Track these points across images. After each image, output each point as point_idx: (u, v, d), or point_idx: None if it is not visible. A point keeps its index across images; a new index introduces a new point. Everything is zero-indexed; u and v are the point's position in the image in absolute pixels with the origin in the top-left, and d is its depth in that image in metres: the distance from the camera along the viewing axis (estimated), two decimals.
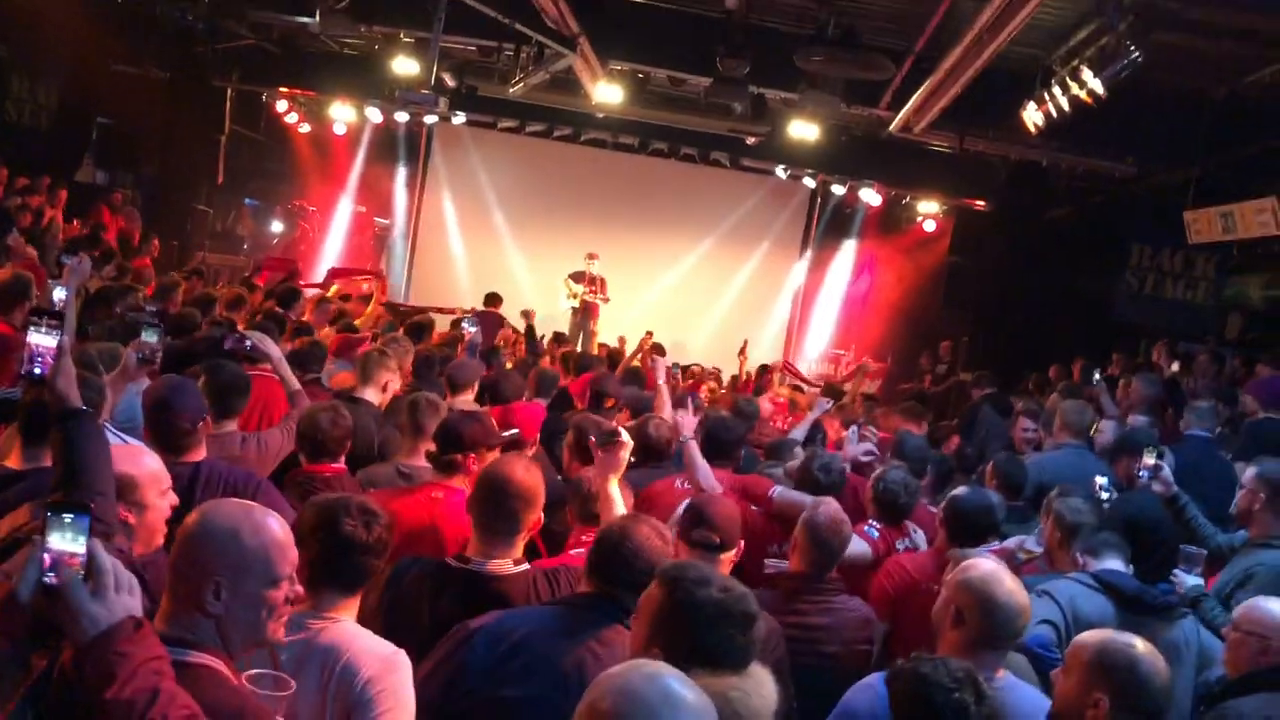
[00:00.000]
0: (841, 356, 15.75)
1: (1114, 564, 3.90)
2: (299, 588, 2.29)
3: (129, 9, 11.75)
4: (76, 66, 13.06)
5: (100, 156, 14.44)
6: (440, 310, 11.52)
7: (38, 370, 2.74)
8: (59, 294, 5.83)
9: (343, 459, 4.22)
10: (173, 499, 2.96)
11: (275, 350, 5.26)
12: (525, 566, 3.12)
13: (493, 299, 12.84)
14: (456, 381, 5.67)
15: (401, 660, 2.57)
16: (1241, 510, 4.55)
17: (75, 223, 11.79)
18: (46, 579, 1.84)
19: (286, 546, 2.24)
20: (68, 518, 1.87)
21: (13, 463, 3.32)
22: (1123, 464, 5.41)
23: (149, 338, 4.24)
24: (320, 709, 2.49)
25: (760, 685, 2.15)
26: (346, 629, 2.64)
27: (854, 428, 6.37)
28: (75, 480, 2.62)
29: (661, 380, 6.42)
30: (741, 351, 12.15)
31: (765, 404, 7.93)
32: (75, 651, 1.82)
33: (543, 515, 3.21)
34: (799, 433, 6.59)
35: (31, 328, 2.76)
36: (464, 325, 8.07)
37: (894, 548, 4.61)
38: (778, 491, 4.69)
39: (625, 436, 3.64)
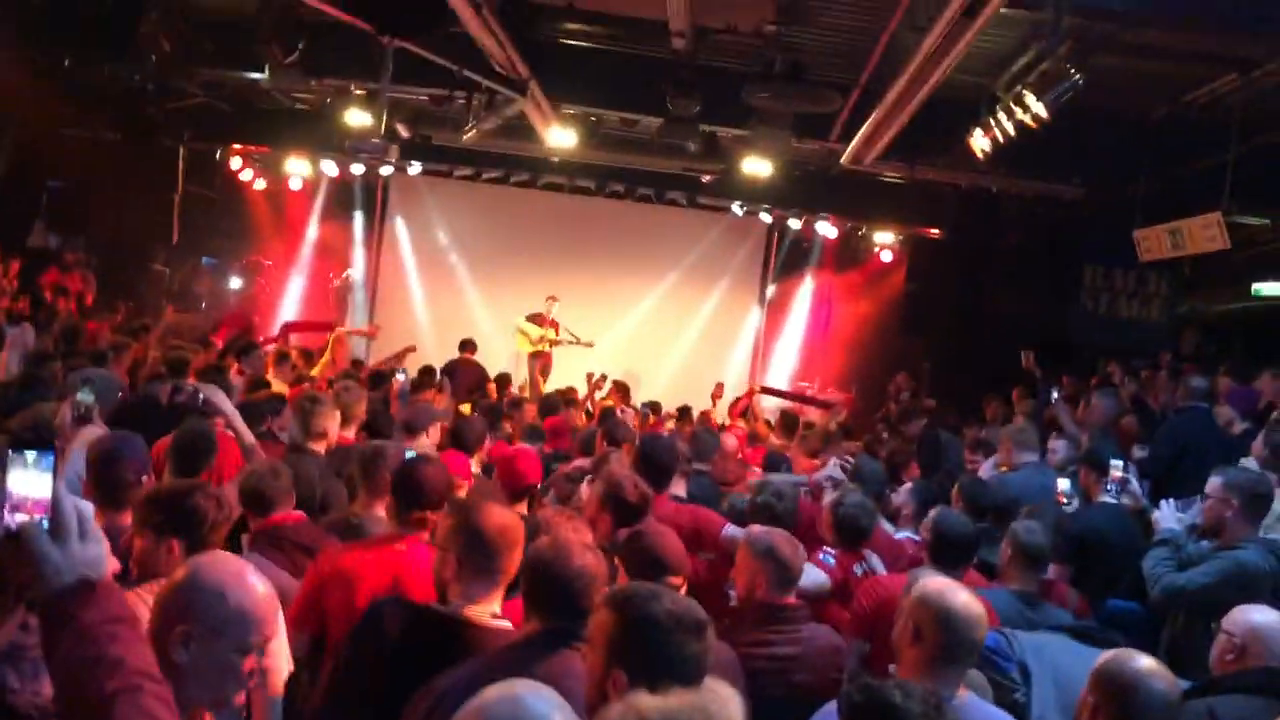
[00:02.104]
0: (806, 389, 15.77)
1: None
2: (266, 661, 2.29)
3: (76, 72, 11.70)
4: (25, 131, 12.97)
5: (52, 220, 14.28)
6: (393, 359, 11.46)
7: None
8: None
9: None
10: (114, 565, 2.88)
11: (228, 404, 5.20)
12: (505, 623, 3.00)
13: (467, 345, 12.71)
14: (413, 426, 5.61)
15: None
16: (1212, 520, 4.59)
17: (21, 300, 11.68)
18: (6, 523, 1.68)
19: (264, 619, 2.21)
20: (30, 455, 1.71)
21: None
22: (1081, 476, 5.47)
23: (84, 397, 4.18)
24: None
25: (730, 700, 2.13)
26: None
27: (834, 460, 6.34)
28: None
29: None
30: (715, 394, 12.17)
31: (728, 438, 7.91)
32: (40, 605, 1.70)
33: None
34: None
35: None
36: (396, 375, 8.08)
37: (851, 573, 4.59)
38: (728, 529, 4.63)
39: None
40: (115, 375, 6.39)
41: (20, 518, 1.69)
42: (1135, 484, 4.97)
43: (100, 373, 5.99)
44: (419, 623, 2.97)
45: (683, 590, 3.42)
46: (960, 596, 2.95)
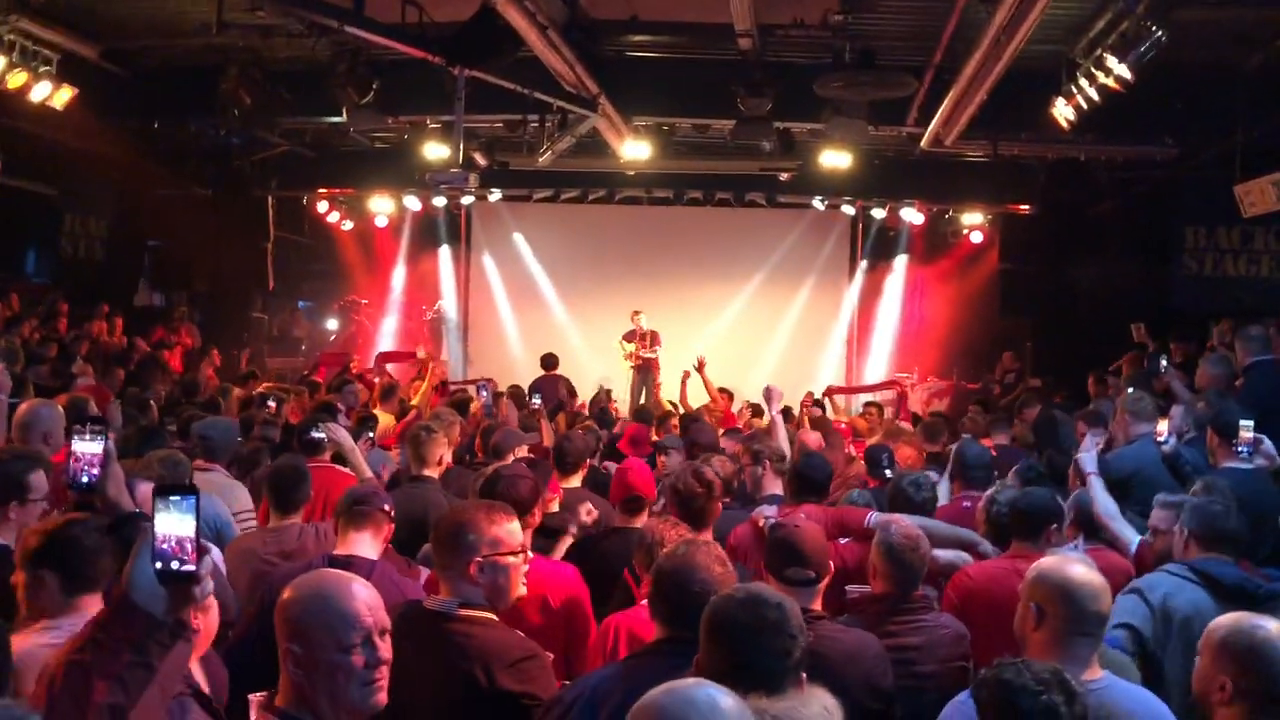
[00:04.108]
0: (905, 380, 15.54)
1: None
2: (384, 652, 2.30)
3: (166, 134, 12.13)
4: (123, 196, 13.50)
5: (155, 279, 14.86)
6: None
7: (84, 479, 2.70)
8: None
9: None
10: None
11: (347, 439, 5.32)
12: (482, 613, 3.01)
13: (549, 361, 12.82)
14: (500, 449, 5.65)
15: None
16: None
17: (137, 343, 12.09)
18: (175, 565, 1.87)
19: (353, 614, 2.26)
20: (174, 499, 1.89)
21: None
22: (1208, 440, 5.24)
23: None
24: None
25: (806, 704, 2.08)
26: None
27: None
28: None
29: (776, 413, 6.46)
30: (805, 402, 12.09)
31: (809, 435, 7.81)
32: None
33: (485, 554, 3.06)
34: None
35: (75, 436, 2.74)
36: (478, 391, 8.13)
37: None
38: (874, 518, 4.61)
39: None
40: (231, 421, 6.59)
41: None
42: (1269, 442, 4.70)
43: (218, 420, 6.18)
44: (412, 616, 3.02)
45: (824, 582, 3.39)
46: (1077, 567, 2.88)
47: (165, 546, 1.85)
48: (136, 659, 1.82)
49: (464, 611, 2.96)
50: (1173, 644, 3.46)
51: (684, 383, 12.21)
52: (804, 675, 2.35)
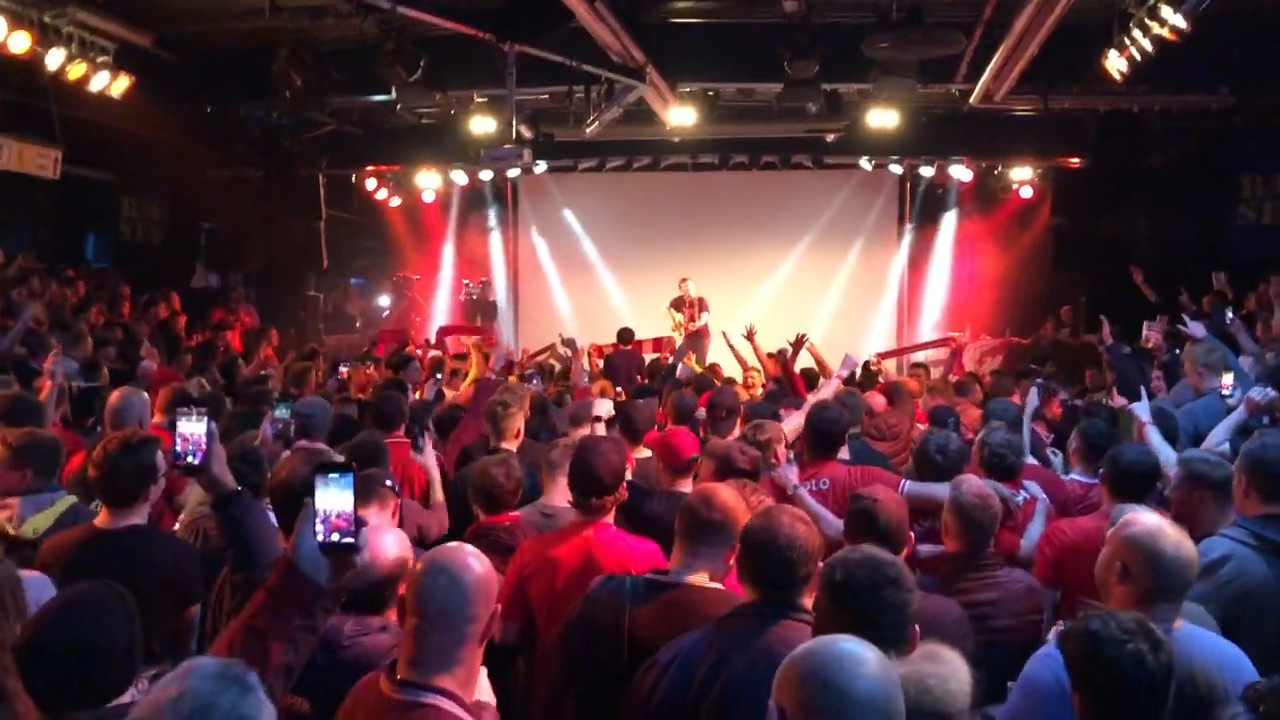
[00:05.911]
0: (957, 338, 15.42)
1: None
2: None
3: (217, 117, 12.29)
4: (178, 180, 13.72)
5: (210, 260, 15.11)
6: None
7: (190, 459, 2.78)
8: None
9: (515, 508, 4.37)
10: None
11: (434, 469, 5.44)
12: (719, 587, 3.11)
13: (625, 335, 12.68)
14: (577, 419, 5.74)
15: None
16: None
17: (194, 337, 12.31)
18: (336, 538, 2.00)
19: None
20: (334, 476, 2.01)
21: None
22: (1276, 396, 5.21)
23: (281, 413, 4.42)
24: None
25: (957, 672, 2.14)
26: None
27: (1033, 389, 6.48)
28: (250, 558, 2.75)
29: (836, 375, 6.50)
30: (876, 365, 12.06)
31: (878, 397, 7.82)
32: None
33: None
34: None
35: (180, 417, 2.79)
36: (530, 384, 8.16)
37: (1013, 501, 4.61)
38: (907, 487, 4.63)
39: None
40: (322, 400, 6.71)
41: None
42: None
43: (312, 399, 6.30)
44: (639, 591, 3.10)
45: (903, 555, 3.44)
46: (1171, 538, 2.86)
47: (326, 521, 1.99)
48: (304, 623, 1.98)
49: (713, 585, 3.09)
50: (1245, 624, 3.39)
51: (729, 344, 12.17)
52: (917, 629, 2.42)
